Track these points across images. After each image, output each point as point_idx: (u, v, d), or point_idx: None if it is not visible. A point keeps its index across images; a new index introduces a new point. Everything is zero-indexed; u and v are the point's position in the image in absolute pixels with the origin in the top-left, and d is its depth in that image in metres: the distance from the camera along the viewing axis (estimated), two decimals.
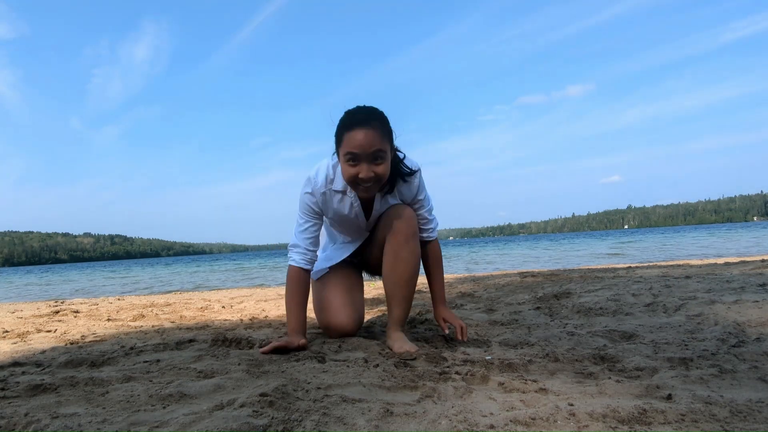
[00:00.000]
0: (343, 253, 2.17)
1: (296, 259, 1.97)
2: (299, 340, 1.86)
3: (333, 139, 1.86)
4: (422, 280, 2.16)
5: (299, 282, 1.96)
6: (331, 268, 2.18)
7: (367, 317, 2.83)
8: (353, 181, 1.78)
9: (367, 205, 1.99)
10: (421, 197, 2.02)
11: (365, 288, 4.35)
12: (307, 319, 2.28)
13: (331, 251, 2.22)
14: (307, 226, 1.97)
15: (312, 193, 1.93)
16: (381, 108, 1.88)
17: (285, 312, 2.45)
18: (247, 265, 22.43)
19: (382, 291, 4.51)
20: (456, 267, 11.18)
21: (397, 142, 1.93)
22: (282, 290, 5.60)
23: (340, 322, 2.07)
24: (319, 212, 1.98)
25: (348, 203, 1.96)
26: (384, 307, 3.06)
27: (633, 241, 23.47)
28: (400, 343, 1.85)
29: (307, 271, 2.00)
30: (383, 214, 2.01)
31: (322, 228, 2.20)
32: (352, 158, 1.73)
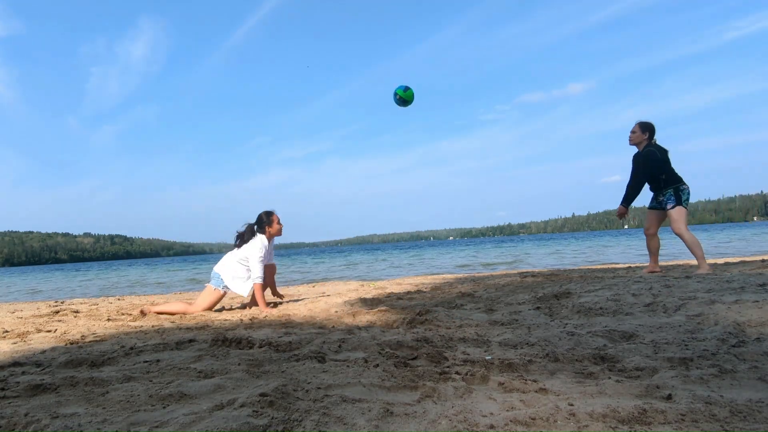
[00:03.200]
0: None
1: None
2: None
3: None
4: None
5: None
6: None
7: (367, 317, 2.84)
8: (280, 231, 4.14)
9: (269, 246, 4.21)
10: None
11: (365, 288, 5.55)
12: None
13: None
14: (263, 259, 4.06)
15: (264, 245, 4.03)
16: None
17: (283, 312, 3.51)
18: None
19: (382, 291, 4.58)
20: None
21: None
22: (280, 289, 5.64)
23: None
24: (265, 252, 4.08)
25: (267, 242, 4.09)
26: (384, 307, 3.08)
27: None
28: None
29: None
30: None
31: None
32: (279, 222, 4.16)
